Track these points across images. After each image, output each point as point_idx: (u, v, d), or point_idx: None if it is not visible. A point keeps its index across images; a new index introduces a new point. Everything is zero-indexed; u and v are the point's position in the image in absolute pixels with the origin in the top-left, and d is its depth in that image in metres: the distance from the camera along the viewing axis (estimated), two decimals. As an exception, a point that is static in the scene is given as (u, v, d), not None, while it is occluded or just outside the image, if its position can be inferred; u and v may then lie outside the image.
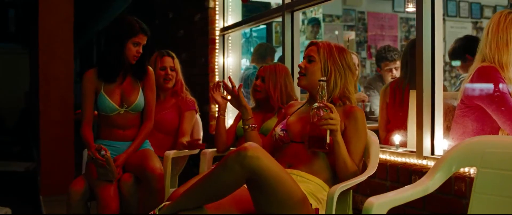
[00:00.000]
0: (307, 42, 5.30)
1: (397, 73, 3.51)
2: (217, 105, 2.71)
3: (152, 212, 1.78)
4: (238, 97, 2.27)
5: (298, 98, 2.74)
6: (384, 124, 2.96)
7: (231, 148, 2.77)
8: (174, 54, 3.03)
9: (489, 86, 2.12)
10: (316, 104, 1.83)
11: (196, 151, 2.91)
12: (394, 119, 2.88)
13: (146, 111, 2.66)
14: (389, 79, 3.54)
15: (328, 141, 1.81)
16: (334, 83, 1.99)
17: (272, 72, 2.62)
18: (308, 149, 1.89)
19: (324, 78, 1.87)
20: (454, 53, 3.18)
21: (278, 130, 2.08)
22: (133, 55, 2.53)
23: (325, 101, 1.83)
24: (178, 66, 3.01)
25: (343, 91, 2.00)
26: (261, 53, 4.56)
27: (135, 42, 2.51)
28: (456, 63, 3.18)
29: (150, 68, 2.70)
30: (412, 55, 2.84)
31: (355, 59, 3.70)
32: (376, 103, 3.61)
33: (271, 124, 2.46)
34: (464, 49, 3.13)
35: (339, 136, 1.83)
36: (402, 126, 2.66)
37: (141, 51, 2.54)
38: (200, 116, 3.11)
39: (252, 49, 5.37)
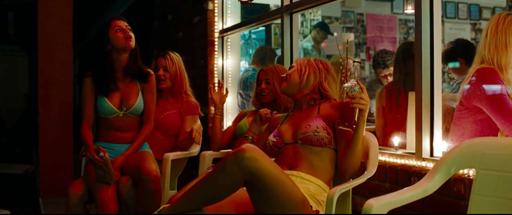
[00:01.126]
0: (309, 44, 5.33)
1: (392, 78, 3.50)
2: (214, 106, 2.75)
3: (151, 215, 1.78)
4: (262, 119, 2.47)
5: None
6: (381, 126, 2.96)
7: (227, 149, 2.80)
8: (172, 55, 2.96)
9: (488, 88, 2.12)
10: (348, 83, 1.87)
11: (195, 153, 2.92)
12: (391, 122, 2.88)
13: (145, 114, 2.65)
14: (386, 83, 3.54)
15: (355, 119, 1.84)
16: (306, 80, 2.10)
17: (275, 72, 2.65)
18: (336, 126, 1.91)
19: (359, 60, 1.91)
20: (447, 56, 3.18)
21: (271, 137, 2.12)
22: (123, 39, 2.52)
23: (358, 81, 1.87)
24: (173, 66, 2.93)
25: (315, 88, 2.10)
26: (261, 56, 4.58)
27: (116, 29, 2.52)
28: (454, 65, 3.18)
29: (151, 71, 2.70)
30: (404, 58, 2.85)
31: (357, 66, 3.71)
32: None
33: None
34: (456, 52, 3.13)
35: (364, 117, 1.87)
36: (399, 128, 2.66)
37: (130, 34, 2.53)
38: (201, 118, 3.10)
39: (251, 51, 5.37)
